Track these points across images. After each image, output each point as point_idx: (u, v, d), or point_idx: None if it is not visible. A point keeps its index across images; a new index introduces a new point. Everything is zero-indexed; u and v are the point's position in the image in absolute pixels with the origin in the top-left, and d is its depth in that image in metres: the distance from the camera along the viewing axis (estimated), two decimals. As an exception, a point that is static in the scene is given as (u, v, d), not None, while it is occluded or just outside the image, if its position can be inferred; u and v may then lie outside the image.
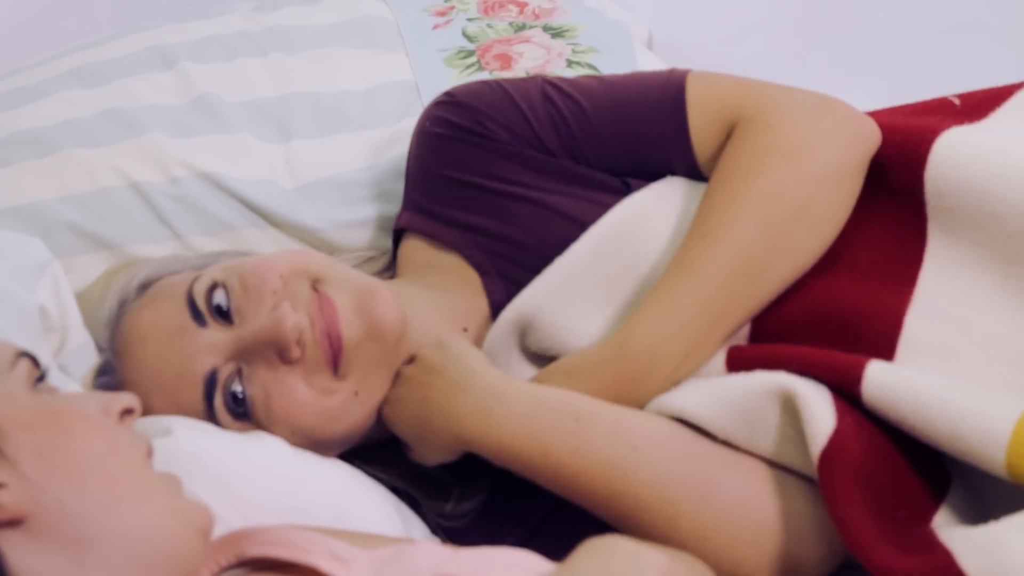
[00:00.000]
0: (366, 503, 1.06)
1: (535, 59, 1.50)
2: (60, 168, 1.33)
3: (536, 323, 1.14)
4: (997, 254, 1.05)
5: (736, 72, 1.19)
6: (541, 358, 1.16)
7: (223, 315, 1.08)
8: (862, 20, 1.89)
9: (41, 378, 0.86)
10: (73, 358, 1.12)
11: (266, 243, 1.34)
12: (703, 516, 1.00)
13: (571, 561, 0.86)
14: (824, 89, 1.16)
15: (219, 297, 1.08)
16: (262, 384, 1.07)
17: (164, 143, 1.35)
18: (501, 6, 1.61)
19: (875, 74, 1.85)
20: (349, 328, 1.07)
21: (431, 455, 1.10)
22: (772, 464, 1.02)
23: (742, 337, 1.10)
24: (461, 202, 1.19)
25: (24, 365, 0.85)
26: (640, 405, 1.06)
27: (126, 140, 1.35)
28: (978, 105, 1.14)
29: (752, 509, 1.00)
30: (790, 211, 1.07)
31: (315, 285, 1.09)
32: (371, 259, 1.30)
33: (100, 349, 1.13)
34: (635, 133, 1.17)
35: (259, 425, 1.07)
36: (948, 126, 1.09)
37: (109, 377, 1.10)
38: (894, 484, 0.99)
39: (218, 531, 0.89)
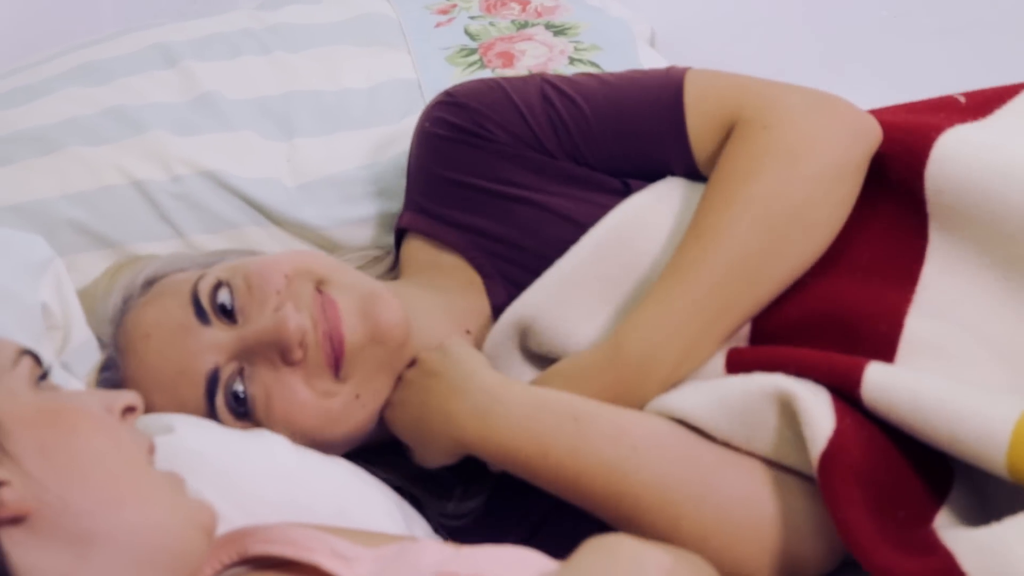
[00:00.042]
0: (368, 501, 1.06)
1: (537, 57, 1.50)
2: (63, 166, 1.33)
3: (536, 326, 1.14)
4: (997, 254, 1.05)
5: (738, 70, 1.19)
6: (543, 360, 1.16)
7: (227, 314, 1.08)
8: (865, 18, 1.89)
9: (44, 376, 0.86)
10: (75, 356, 1.12)
11: (268, 241, 1.34)
12: (704, 515, 1.00)
13: (574, 559, 0.86)
14: (826, 87, 1.15)
15: (223, 296, 1.08)
16: (263, 384, 1.07)
17: (167, 141, 1.35)
18: (503, 4, 1.61)
19: (878, 72, 1.85)
20: (351, 331, 1.07)
21: (432, 458, 1.10)
22: (770, 463, 1.02)
23: (743, 337, 1.10)
24: (462, 203, 1.19)
25: (27, 363, 0.85)
26: (637, 407, 1.06)
27: (129, 138, 1.36)
28: (984, 103, 1.13)
29: (752, 507, 1.00)
30: (787, 212, 1.07)
31: (319, 286, 1.10)
32: (376, 258, 1.30)
33: (103, 345, 1.13)
34: (633, 134, 1.16)
35: (259, 425, 1.07)
36: (952, 124, 1.09)
37: (112, 373, 1.10)
38: (895, 483, 0.99)
39: (221, 529, 0.89)
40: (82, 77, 1.43)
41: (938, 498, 1.01)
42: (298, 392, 1.07)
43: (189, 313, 1.08)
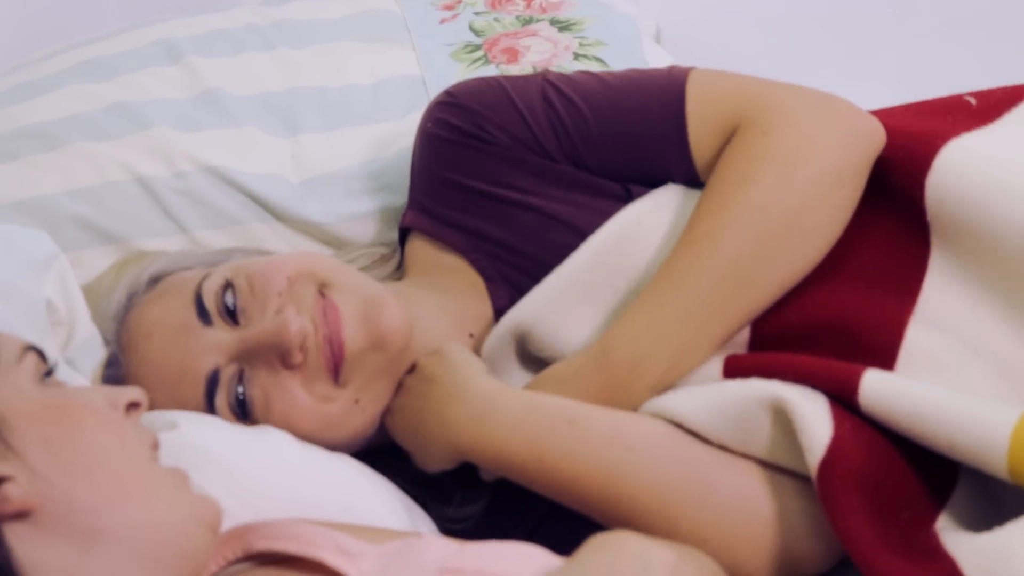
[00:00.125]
0: (372, 497, 1.06)
1: (542, 53, 1.50)
2: (66, 162, 1.33)
3: (535, 332, 1.13)
4: (998, 270, 1.03)
5: (743, 66, 1.18)
6: (541, 364, 1.15)
7: (230, 315, 1.08)
8: (871, 15, 1.89)
9: (49, 372, 0.86)
10: (80, 352, 1.12)
11: (272, 237, 1.34)
12: (701, 516, 0.99)
13: (578, 556, 0.85)
14: (832, 83, 1.15)
15: (227, 297, 1.08)
16: (262, 387, 1.07)
17: (170, 137, 1.35)
18: (508, 0, 1.61)
19: (884, 69, 1.84)
20: (352, 337, 1.07)
21: (431, 463, 1.10)
22: (766, 464, 1.01)
23: (741, 343, 1.09)
24: (463, 205, 1.19)
25: (31, 359, 0.85)
26: (629, 410, 1.05)
27: (132, 134, 1.36)
28: (994, 105, 1.12)
29: (749, 507, 1.00)
30: (781, 219, 1.05)
31: (322, 290, 1.09)
32: (384, 257, 1.30)
33: (107, 341, 1.13)
34: (634, 138, 1.15)
35: (260, 426, 1.07)
36: (958, 132, 1.07)
37: (115, 369, 1.10)
38: (896, 485, 0.98)
39: (225, 525, 0.89)
40: (86, 73, 1.43)
41: (940, 499, 1.00)
42: (297, 396, 1.07)
43: (191, 313, 1.08)
